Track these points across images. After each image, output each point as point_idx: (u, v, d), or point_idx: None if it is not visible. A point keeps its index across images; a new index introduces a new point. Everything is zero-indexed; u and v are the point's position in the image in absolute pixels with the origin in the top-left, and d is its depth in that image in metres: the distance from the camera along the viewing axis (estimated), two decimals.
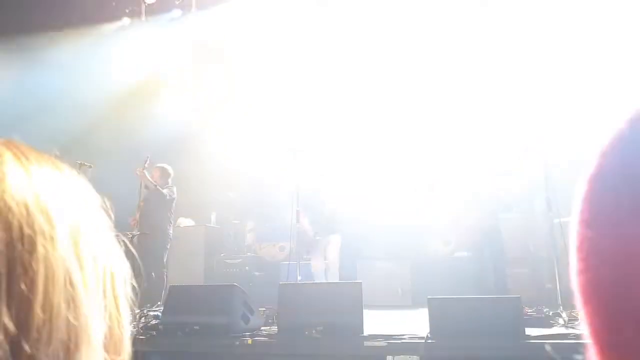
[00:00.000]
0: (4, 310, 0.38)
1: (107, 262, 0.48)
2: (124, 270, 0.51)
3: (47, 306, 0.40)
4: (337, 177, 7.95)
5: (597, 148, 0.36)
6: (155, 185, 6.89)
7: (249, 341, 4.26)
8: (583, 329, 0.37)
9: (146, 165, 6.83)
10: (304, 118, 8.43)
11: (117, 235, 0.51)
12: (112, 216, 0.51)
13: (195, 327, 4.31)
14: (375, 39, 7.85)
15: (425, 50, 7.77)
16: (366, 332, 4.17)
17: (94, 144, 7.76)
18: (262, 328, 4.72)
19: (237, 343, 4.26)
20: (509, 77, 7.37)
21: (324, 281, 6.24)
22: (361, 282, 4.50)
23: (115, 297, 0.49)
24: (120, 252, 0.51)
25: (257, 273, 7.93)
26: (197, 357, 4.31)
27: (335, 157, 8.24)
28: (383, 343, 3.99)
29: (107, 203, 0.51)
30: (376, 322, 4.61)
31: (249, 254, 8.35)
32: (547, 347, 3.46)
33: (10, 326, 0.38)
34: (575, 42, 6.80)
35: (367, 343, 4.04)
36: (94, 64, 7.98)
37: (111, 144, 8.18)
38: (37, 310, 0.40)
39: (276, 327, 4.50)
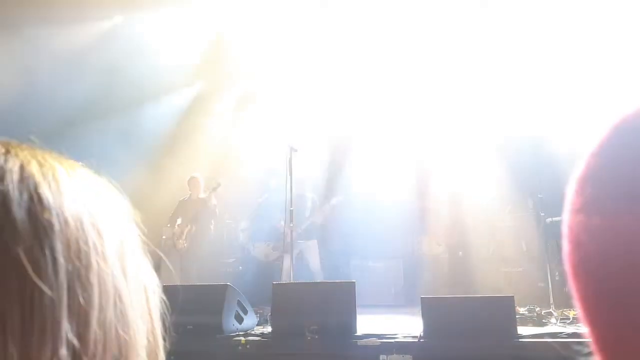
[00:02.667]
0: (67, 324, 0.39)
1: (142, 274, 0.49)
2: (154, 283, 0.51)
3: (102, 321, 0.41)
4: (333, 175, 7.99)
5: (587, 149, 0.41)
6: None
7: (243, 341, 4.26)
8: (575, 308, 0.41)
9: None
10: (300, 117, 8.42)
11: (148, 248, 0.52)
12: (145, 230, 0.51)
13: (188, 327, 4.30)
14: (372, 35, 7.84)
15: (421, 48, 7.78)
16: (359, 332, 4.18)
17: (90, 143, 7.71)
18: (256, 328, 4.72)
19: (231, 343, 4.25)
20: (506, 76, 7.40)
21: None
22: (354, 282, 4.51)
23: (150, 310, 0.49)
24: (150, 264, 0.51)
25: (250, 273, 7.91)
26: (190, 357, 4.29)
27: (331, 155, 8.26)
28: (376, 342, 4.00)
29: (138, 215, 0.51)
30: (369, 322, 4.62)
31: (242, 253, 8.33)
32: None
33: (75, 341, 0.39)
34: (571, 42, 6.85)
35: (360, 342, 4.05)
36: (88, 60, 7.91)
37: (108, 141, 8.13)
38: (94, 324, 0.40)
39: (270, 327, 4.50)
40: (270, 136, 8.18)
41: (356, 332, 4.16)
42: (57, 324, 0.38)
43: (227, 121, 9.00)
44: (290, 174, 6.00)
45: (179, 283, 7.08)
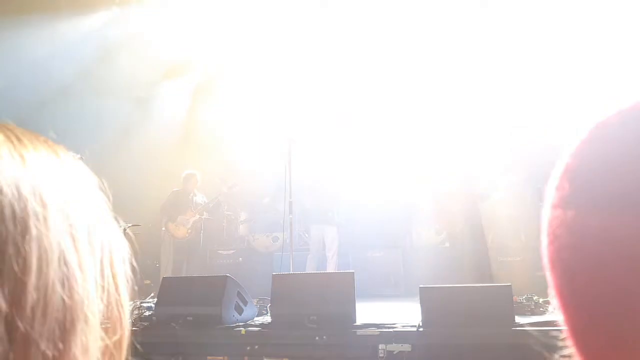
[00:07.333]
0: None
1: (104, 241, 0.49)
2: (122, 250, 0.51)
3: (41, 286, 0.41)
4: (331, 167, 7.98)
5: (567, 150, 0.46)
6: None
7: (243, 331, 4.29)
8: (550, 293, 0.46)
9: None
10: (299, 108, 8.41)
11: (115, 216, 0.52)
12: (110, 196, 0.52)
13: (188, 318, 4.32)
14: (371, 32, 7.83)
15: (418, 45, 7.76)
16: (359, 322, 4.20)
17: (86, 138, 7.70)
18: (256, 318, 4.75)
19: (231, 334, 4.28)
20: (505, 70, 7.39)
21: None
22: (354, 272, 4.52)
23: (114, 276, 0.49)
24: (119, 231, 0.52)
25: (250, 264, 7.94)
26: (190, 348, 4.33)
27: (329, 147, 8.25)
28: (375, 332, 4.02)
29: (105, 184, 0.52)
30: (368, 312, 4.65)
31: (242, 245, 8.36)
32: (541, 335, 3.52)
33: (3, 304, 0.39)
34: (570, 38, 6.84)
35: (359, 332, 4.07)
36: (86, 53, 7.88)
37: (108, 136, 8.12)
38: (31, 289, 0.41)
39: (269, 318, 4.52)
40: (270, 128, 8.18)
41: (355, 322, 4.19)
42: None
43: (225, 114, 8.98)
44: (290, 165, 6.01)
45: (178, 273, 7.14)
